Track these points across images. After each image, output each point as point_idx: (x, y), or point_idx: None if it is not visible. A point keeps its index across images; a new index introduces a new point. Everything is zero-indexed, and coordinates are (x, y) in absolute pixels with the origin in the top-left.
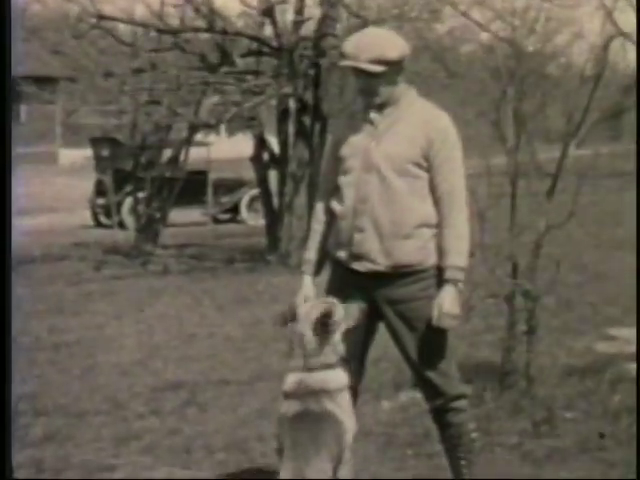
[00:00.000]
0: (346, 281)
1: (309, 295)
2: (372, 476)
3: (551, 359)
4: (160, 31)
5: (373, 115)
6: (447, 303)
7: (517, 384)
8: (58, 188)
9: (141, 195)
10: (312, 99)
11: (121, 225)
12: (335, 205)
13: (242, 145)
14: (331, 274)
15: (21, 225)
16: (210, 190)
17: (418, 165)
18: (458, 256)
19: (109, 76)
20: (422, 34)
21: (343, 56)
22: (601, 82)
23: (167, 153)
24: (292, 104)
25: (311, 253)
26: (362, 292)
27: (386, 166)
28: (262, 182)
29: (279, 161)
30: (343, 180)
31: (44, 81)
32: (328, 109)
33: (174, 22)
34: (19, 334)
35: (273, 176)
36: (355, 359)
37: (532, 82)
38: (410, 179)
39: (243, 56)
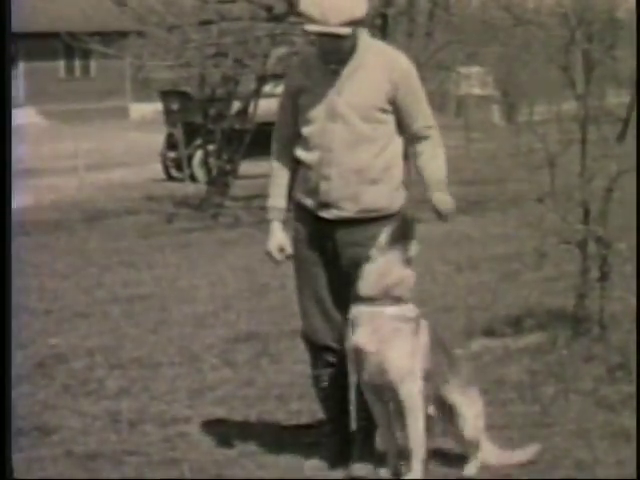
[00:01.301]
0: (313, 227)
1: (283, 242)
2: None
3: (624, 305)
4: None
5: (334, 66)
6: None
7: (591, 330)
8: (129, 142)
9: (211, 147)
10: None
11: (192, 178)
12: (301, 154)
13: None
14: (297, 221)
15: (93, 180)
16: None
17: (383, 110)
18: (443, 185)
19: (176, 29)
20: None
21: (309, 19)
22: None
23: (236, 105)
24: None
25: (278, 200)
26: (328, 237)
27: (352, 114)
28: None
29: None
30: (307, 130)
31: (112, 36)
32: None
33: None
34: (94, 288)
35: None
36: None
37: (600, 26)
38: (376, 125)
39: None
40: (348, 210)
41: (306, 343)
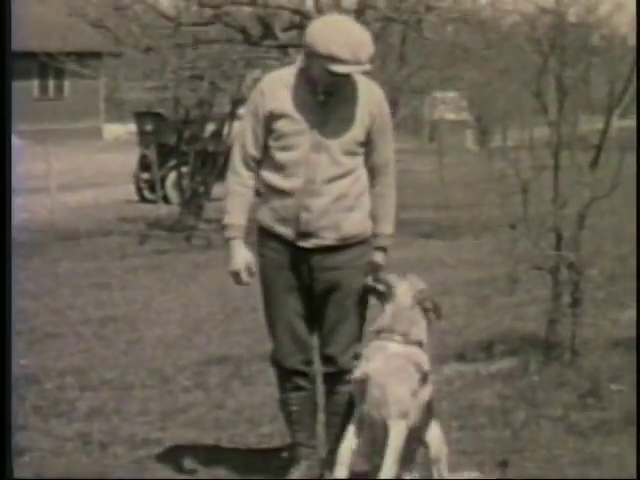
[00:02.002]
0: (286, 254)
1: (250, 260)
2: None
3: (596, 331)
4: (202, 5)
5: (323, 97)
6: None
7: (562, 356)
8: (102, 163)
9: (185, 169)
10: None
11: (165, 199)
12: (277, 180)
13: None
14: (263, 245)
15: (66, 200)
16: None
17: (361, 143)
18: (389, 224)
19: (151, 51)
20: (463, 5)
21: (337, 60)
22: None
23: (210, 127)
24: None
25: (239, 217)
26: (303, 263)
27: (335, 147)
28: None
29: None
30: (286, 157)
31: (87, 56)
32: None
33: None
34: (65, 309)
35: None
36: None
37: (574, 53)
38: (353, 157)
39: (285, 30)
40: (328, 239)
41: (275, 367)
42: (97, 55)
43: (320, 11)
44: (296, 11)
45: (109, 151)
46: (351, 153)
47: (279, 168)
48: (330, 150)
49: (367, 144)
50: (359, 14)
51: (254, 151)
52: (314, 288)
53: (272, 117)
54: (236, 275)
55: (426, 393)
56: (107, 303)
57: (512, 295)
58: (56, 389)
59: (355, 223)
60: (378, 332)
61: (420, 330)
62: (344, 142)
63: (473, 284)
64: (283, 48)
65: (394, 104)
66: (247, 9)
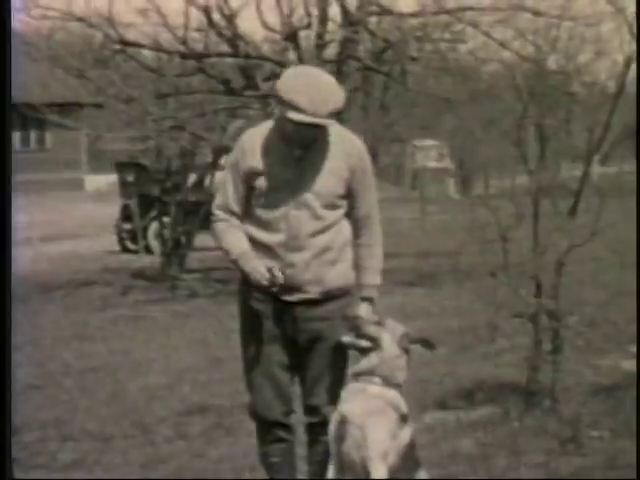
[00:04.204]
0: (269, 306)
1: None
2: None
3: (576, 378)
4: (184, 56)
5: (299, 151)
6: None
7: (542, 403)
8: (84, 214)
9: (167, 220)
10: None
11: (147, 250)
12: (261, 235)
13: None
14: (246, 295)
15: (48, 251)
16: None
17: (341, 196)
18: (375, 275)
19: (132, 101)
20: (443, 54)
21: (294, 108)
22: (623, 99)
23: (192, 177)
24: None
25: (244, 244)
26: (286, 314)
27: (316, 202)
28: None
29: None
30: (268, 214)
31: (69, 108)
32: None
33: (198, 47)
34: (47, 360)
35: None
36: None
37: (555, 100)
38: (335, 210)
39: (267, 80)
40: (312, 293)
41: (255, 419)
42: (78, 106)
43: (302, 61)
44: (277, 62)
45: (91, 202)
46: (332, 206)
47: (261, 224)
48: (310, 205)
49: (348, 197)
50: (340, 64)
51: (235, 207)
52: (298, 338)
53: (252, 175)
54: (269, 276)
55: (405, 435)
56: (89, 354)
57: (492, 343)
58: (37, 441)
59: (339, 276)
60: (358, 375)
61: (402, 375)
62: (323, 196)
63: (454, 332)
64: (265, 98)
65: (374, 153)
66: (229, 60)
